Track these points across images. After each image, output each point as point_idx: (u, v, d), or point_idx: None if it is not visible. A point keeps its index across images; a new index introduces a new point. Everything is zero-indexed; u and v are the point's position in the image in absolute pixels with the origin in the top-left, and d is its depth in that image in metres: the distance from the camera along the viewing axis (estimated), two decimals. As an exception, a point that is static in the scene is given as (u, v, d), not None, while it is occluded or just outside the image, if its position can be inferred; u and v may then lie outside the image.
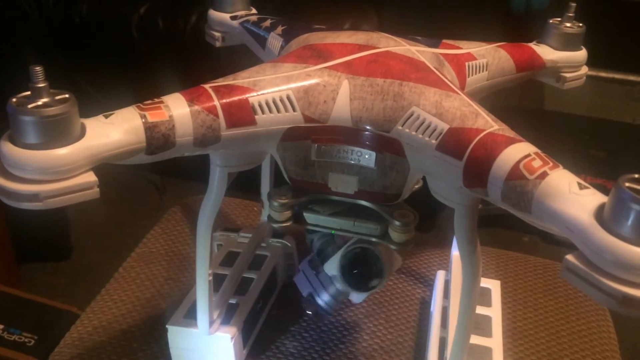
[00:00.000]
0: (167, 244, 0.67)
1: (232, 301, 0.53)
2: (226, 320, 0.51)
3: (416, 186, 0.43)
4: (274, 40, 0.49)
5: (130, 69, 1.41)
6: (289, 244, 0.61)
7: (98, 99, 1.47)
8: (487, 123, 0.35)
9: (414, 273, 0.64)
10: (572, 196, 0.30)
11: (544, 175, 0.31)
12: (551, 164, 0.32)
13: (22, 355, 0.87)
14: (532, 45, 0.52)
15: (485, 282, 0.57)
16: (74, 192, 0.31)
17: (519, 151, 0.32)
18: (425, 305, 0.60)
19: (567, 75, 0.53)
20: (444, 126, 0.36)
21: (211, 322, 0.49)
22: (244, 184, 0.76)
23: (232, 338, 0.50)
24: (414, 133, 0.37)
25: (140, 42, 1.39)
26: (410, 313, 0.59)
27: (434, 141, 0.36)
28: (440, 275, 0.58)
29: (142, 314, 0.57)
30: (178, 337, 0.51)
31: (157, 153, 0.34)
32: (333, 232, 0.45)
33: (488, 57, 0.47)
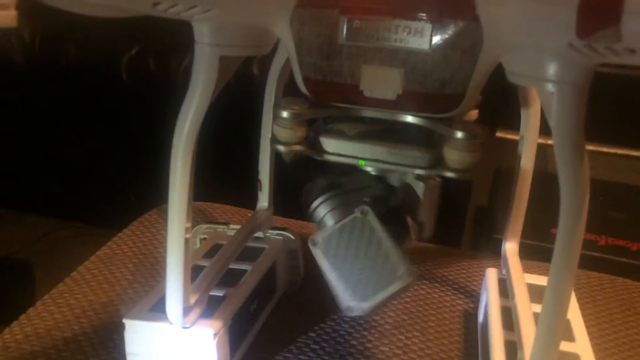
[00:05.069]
0: (137, 245, 0.53)
1: (218, 293, 0.39)
2: (209, 313, 0.37)
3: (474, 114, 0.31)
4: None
5: (118, 113, 1.31)
6: (292, 237, 0.48)
7: (81, 147, 1.37)
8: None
9: (450, 283, 0.50)
10: None
11: None
12: None
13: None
14: None
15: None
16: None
17: None
18: (469, 319, 0.46)
19: None
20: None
21: (186, 311, 0.35)
22: (235, 190, 0.63)
23: (215, 335, 0.35)
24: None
25: (130, 85, 1.31)
26: (452, 326, 0.45)
27: None
28: (492, 274, 0.44)
29: (94, 320, 0.43)
30: (139, 336, 0.36)
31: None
32: (362, 162, 0.32)
33: None
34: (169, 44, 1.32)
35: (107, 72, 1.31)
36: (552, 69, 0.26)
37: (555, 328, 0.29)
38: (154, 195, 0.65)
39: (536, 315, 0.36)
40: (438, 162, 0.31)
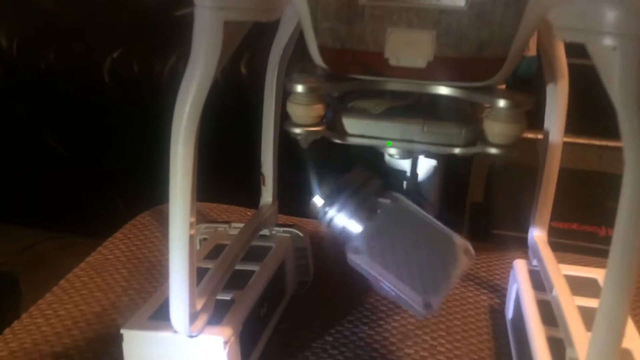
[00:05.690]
0: (130, 249, 0.49)
1: (225, 297, 0.35)
2: (216, 319, 0.33)
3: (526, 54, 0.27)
4: None
5: (101, 118, 1.26)
6: (301, 234, 0.44)
7: (63, 154, 1.32)
8: None
9: (471, 277, 0.47)
10: None
11: None
12: None
13: None
14: None
15: (587, 272, 0.40)
16: None
17: None
18: (496, 315, 0.42)
19: None
20: None
21: (193, 317, 0.31)
22: (229, 189, 0.59)
23: (225, 343, 0.31)
24: None
25: (112, 88, 1.26)
26: (479, 324, 0.41)
27: None
28: (521, 265, 0.41)
29: (87, 332, 0.39)
30: (139, 348, 0.32)
31: None
32: (389, 143, 0.29)
33: None
34: (152, 44, 1.27)
35: (88, 75, 1.27)
36: (613, 20, 0.22)
37: (617, 325, 0.26)
38: (141, 201, 0.61)
39: (581, 309, 0.33)
40: (477, 138, 0.27)
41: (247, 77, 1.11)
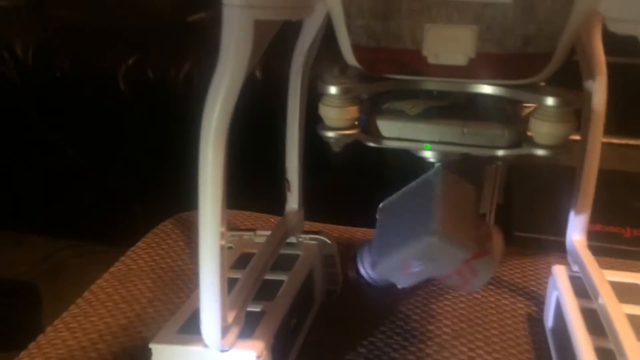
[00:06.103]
0: (153, 259, 0.48)
1: (255, 309, 0.34)
2: (247, 332, 0.31)
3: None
4: None
5: (117, 125, 1.26)
6: (329, 241, 0.43)
7: (79, 161, 1.32)
8: None
9: (505, 284, 0.45)
10: None
11: None
12: None
13: None
14: None
15: (629, 277, 0.38)
16: None
17: None
18: (534, 323, 0.41)
19: None
20: None
21: (224, 331, 0.29)
22: (256, 198, 0.58)
23: (258, 357, 0.30)
24: None
25: (128, 95, 1.26)
26: (517, 333, 0.39)
27: None
28: (560, 271, 0.39)
29: (113, 345, 0.38)
30: (168, 362, 0.31)
31: None
32: (427, 146, 0.27)
33: None
34: (167, 51, 1.27)
35: (104, 83, 1.27)
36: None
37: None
38: (159, 208, 0.60)
39: (630, 318, 0.31)
40: (521, 139, 0.26)
41: (262, 81, 1.10)
